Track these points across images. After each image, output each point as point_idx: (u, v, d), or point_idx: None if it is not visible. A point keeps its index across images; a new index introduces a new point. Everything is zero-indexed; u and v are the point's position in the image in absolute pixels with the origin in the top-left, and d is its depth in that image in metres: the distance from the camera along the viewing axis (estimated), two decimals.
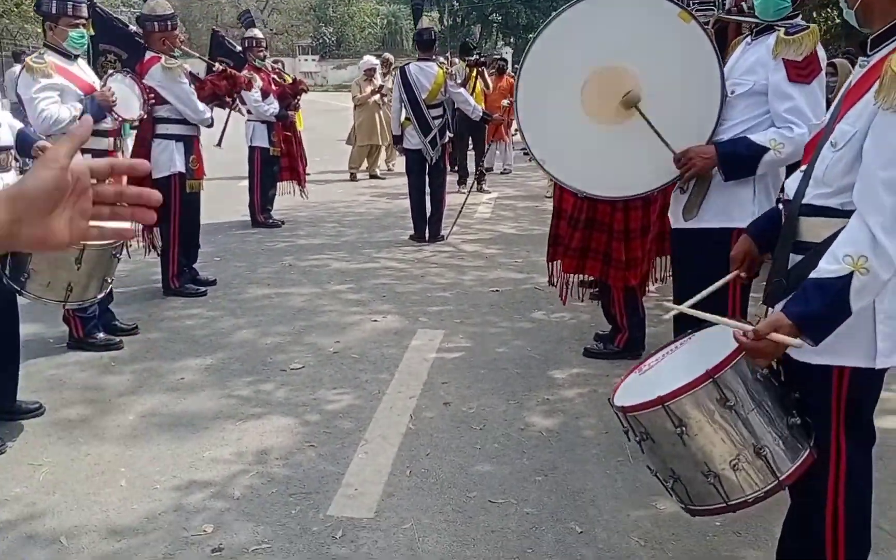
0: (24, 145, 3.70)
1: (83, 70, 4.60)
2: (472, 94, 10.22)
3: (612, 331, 4.79)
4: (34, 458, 3.48)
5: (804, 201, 2.08)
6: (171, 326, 5.30)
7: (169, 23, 5.52)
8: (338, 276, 6.65)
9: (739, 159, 3.03)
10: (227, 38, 8.35)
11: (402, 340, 5.03)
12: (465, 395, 4.18)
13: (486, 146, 11.50)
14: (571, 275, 4.71)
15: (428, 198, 8.00)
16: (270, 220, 8.68)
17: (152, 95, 5.11)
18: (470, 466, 3.43)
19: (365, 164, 12.84)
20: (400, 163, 13.27)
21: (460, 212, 8.49)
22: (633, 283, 4.52)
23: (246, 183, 8.83)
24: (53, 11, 4.35)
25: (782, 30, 2.96)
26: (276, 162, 8.61)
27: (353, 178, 12.65)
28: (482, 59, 11.02)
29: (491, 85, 11.70)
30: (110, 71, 4.76)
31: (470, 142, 11.79)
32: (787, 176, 2.30)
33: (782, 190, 2.32)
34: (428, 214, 7.96)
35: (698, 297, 2.35)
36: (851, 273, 1.84)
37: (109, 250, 3.63)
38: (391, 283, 6.45)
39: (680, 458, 2.10)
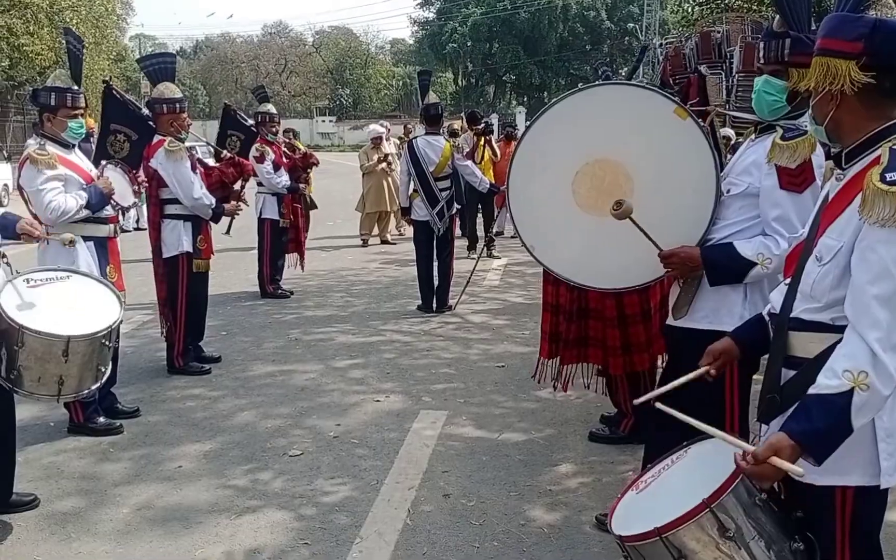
0: (6, 228, 3.72)
1: (80, 159, 4.66)
2: (480, 163, 10.32)
3: (618, 415, 4.69)
4: (25, 556, 3.42)
5: (792, 315, 2.04)
6: (173, 408, 5.26)
7: (177, 105, 5.61)
8: (343, 350, 6.61)
9: (725, 269, 2.95)
10: (239, 112, 8.47)
11: (404, 423, 4.96)
12: (465, 486, 4.09)
13: (496, 212, 11.52)
14: (573, 365, 4.60)
15: (436, 268, 7.98)
16: (280, 291, 8.69)
17: (145, 180, 5.18)
18: None
19: (376, 230, 12.92)
20: (409, 231, 13.49)
21: (468, 281, 8.46)
22: (639, 368, 4.41)
23: (254, 252, 8.91)
24: (52, 103, 4.41)
25: (779, 133, 2.88)
26: (285, 233, 8.66)
27: (364, 244, 12.72)
28: (490, 127, 11.09)
29: (499, 152, 11.77)
30: (104, 162, 4.83)
31: (479, 207, 11.82)
32: None
33: None
34: (435, 285, 7.94)
35: (661, 390, 2.32)
36: (852, 389, 1.81)
37: (99, 339, 3.60)
38: (396, 357, 6.40)
39: None
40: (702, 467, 2.18)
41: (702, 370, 2.36)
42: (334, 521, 3.74)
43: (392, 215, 13.02)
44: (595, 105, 3.23)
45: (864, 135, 1.91)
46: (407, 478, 4.19)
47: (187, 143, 5.76)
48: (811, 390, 1.87)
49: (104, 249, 4.65)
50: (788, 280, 2.08)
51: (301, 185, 8.66)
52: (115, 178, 4.66)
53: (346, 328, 7.37)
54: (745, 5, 20.02)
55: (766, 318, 2.27)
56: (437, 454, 4.49)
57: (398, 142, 14.70)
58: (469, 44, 58.83)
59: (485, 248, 10.80)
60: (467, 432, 4.83)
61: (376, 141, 12.65)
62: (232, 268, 10.13)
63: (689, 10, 25.17)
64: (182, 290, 5.67)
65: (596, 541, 3.54)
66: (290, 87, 65.25)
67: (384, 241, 12.88)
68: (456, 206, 8.03)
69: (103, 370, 3.75)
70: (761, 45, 2.95)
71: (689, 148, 3.10)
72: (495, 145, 11.74)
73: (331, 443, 4.67)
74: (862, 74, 1.83)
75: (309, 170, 8.93)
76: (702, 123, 3.20)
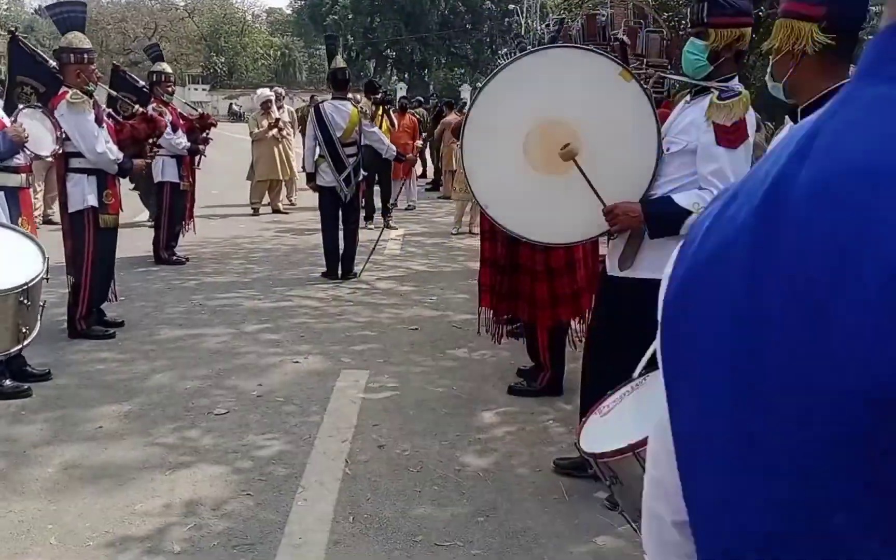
0: None
1: None
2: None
3: (535, 368, 4.92)
4: None
5: None
6: (81, 371, 5.06)
7: (85, 56, 5.37)
8: (252, 315, 6.53)
9: (664, 219, 3.17)
10: (129, 73, 8.09)
11: (327, 382, 5.00)
12: (397, 437, 4.20)
13: (395, 183, 11.59)
14: (503, 317, 4.84)
15: (341, 235, 7.98)
16: (174, 257, 8.42)
17: (64, 130, 4.94)
18: (411, 510, 3.46)
19: (266, 198, 12.66)
20: (302, 198, 13.28)
21: (373, 249, 8.50)
22: (563, 318, 4.65)
23: (141, 217, 8.59)
24: None
25: (716, 93, 3.13)
26: (184, 197, 8.40)
27: (255, 212, 12.43)
28: (388, 97, 11.13)
29: (396, 123, 11.82)
30: (21, 106, 4.58)
31: (376, 177, 11.82)
32: None
33: None
34: (341, 252, 7.94)
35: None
36: None
37: (14, 296, 3.43)
38: (308, 322, 6.39)
39: None
40: (661, 393, 2.39)
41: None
42: (273, 472, 3.76)
43: (283, 184, 12.78)
44: (544, 68, 3.38)
45: (819, 93, 2.15)
46: (339, 431, 4.25)
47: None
48: None
49: (16, 200, 4.42)
50: None
51: (201, 146, 8.40)
52: (32, 125, 4.41)
53: (251, 294, 7.26)
54: None
55: None
56: (364, 409, 4.57)
57: (293, 110, 14.44)
58: (350, 17, 58.09)
59: (383, 219, 10.84)
60: (391, 389, 4.93)
61: (266, 105, 12.31)
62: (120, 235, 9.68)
63: None
64: (88, 246, 5.43)
65: (529, 481, 3.75)
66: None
67: (276, 210, 12.60)
68: (363, 172, 8.04)
69: (25, 331, 3.57)
70: (688, 10, 3.23)
71: (634, 108, 3.30)
72: (393, 116, 11.79)
73: (255, 402, 4.65)
74: (823, 36, 2.06)
75: (207, 131, 8.66)
76: (644, 85, 3.43)
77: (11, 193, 4.41)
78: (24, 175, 4.46)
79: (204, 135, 8.56)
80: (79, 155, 5.34)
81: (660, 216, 3.17)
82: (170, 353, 5.46)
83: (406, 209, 13.41)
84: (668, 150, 3.23)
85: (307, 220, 12.02)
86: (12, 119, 4.40)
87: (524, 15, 44.27)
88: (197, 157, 8.57)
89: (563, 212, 3.40)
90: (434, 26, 59.25)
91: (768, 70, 2.30)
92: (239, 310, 6.69)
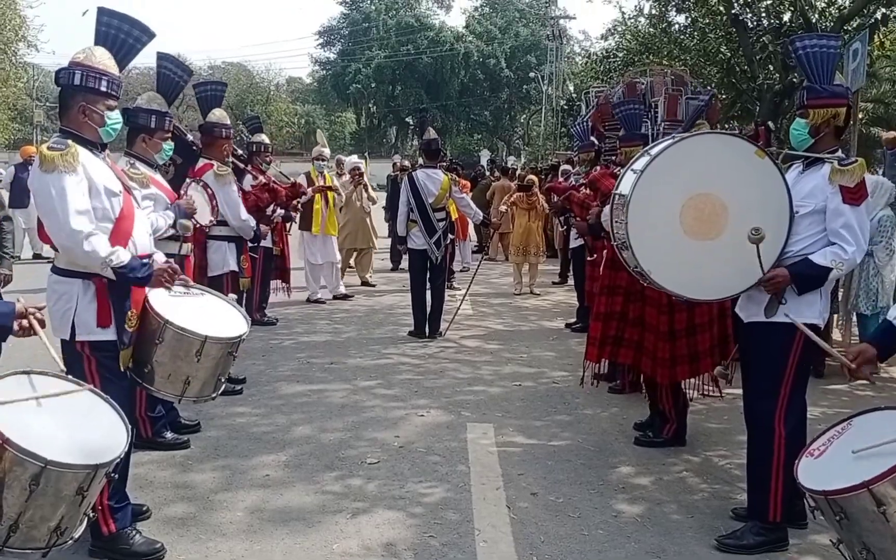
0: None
1: (161, 179, 4.77)
2: None
3: (660, 421, 5.17)
4: (167, 556, 3.51)
5: None
6: (225, 424, 5.34)
7: (229, 132, 5.88)
8: (360, 372, 6.82)
9: (811, 280, 3.61)
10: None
11: (457, 434, 5.26)
12: (546, 486, 4.44)
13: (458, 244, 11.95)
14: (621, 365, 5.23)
15: (428, 295, 8.31)
16: (266, 319, 8.76)
17: (216, 202, 5.33)
18: (586, 551, 3.69)
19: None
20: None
21: (458, 309, 8.82)
22: (679, 378, 4.95)
23: None
24: (153, 125, 4.46)
25: (835, 162, 3.58)
26: (274, 260, 8.78)
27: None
28: (455, 164, 11.57)
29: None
30: (188, 180, 4.98)
31: None
32: None
33: None
34: (428, 311, 8.27)
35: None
36: None
37: (230, 346, 3.73)
38: (415, 377, 6.68)
39: (877, 533, 2.45)
40: (873, 434, 2.66)
41: (846, 361, 2.88)
42: (446, 517, 4.00)
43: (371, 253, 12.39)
44: (694, 150, 3.78)
45: None
46: (489, 480, 4.49)
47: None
48: None
49: (181, 268, 4.74)
50: None
51: (293, 213, 8.80)
52: (196, 198, 4.79)
53: (351, 352, 7.56)
54: (654, 59, 21.39)
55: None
56: (504, 460, 4.82)
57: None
58: (373, 85, 59.65)
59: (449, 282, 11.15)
60: (520, 441, 5.18)
61: (355, 173, 12.01)
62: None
63: (597, 62, 26.82)
64: None
65: (686, 527, 3.97)
66: (187, 122, 63.45)
67: (364, 283, 12.13)
68: (450, 236, 8.41)
69: (222, 381, 3.87)
70: (796, 96, 3.76)
71: (767, 181, 3.70)
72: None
73: (400, 452, 4.91)
74: None
75: (298, 199, 9.04)
76: (777, 161, 3.81)
77: (178, 261, 4.75)
78: (188, 244, 4.82)
79: (295, 202, 8.93)
80: (220, 223, 5.73)
81: (806, 276, 3.60)
82: (301, 408, 5.75)
83: (460, 271, 13.76)
84: (796, 212, 3.63)
85: (375, 281, 12.34)
86: (182, 192, 4.77)
87: (544, 82, 45.42)
88: (288, 224, 8.97)
89: (711, 271, 3.75)
90: (454, 94, 60.69)
91: None
92: (346, 367, 6.98)
